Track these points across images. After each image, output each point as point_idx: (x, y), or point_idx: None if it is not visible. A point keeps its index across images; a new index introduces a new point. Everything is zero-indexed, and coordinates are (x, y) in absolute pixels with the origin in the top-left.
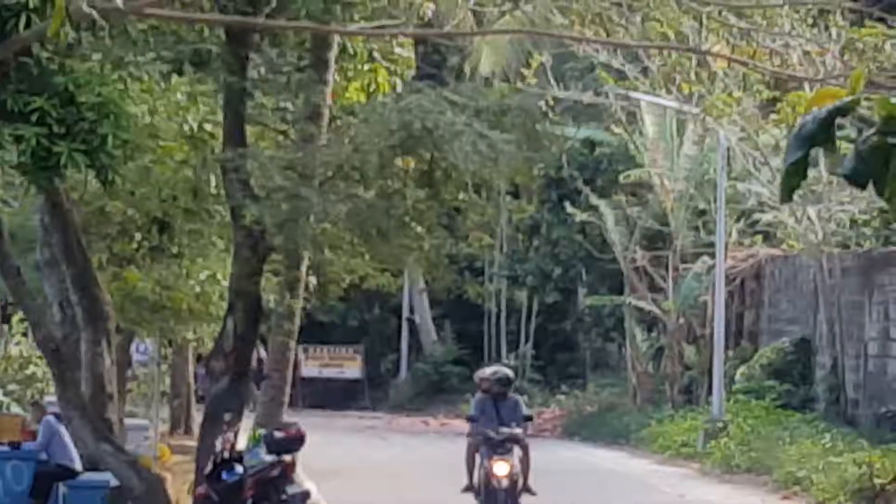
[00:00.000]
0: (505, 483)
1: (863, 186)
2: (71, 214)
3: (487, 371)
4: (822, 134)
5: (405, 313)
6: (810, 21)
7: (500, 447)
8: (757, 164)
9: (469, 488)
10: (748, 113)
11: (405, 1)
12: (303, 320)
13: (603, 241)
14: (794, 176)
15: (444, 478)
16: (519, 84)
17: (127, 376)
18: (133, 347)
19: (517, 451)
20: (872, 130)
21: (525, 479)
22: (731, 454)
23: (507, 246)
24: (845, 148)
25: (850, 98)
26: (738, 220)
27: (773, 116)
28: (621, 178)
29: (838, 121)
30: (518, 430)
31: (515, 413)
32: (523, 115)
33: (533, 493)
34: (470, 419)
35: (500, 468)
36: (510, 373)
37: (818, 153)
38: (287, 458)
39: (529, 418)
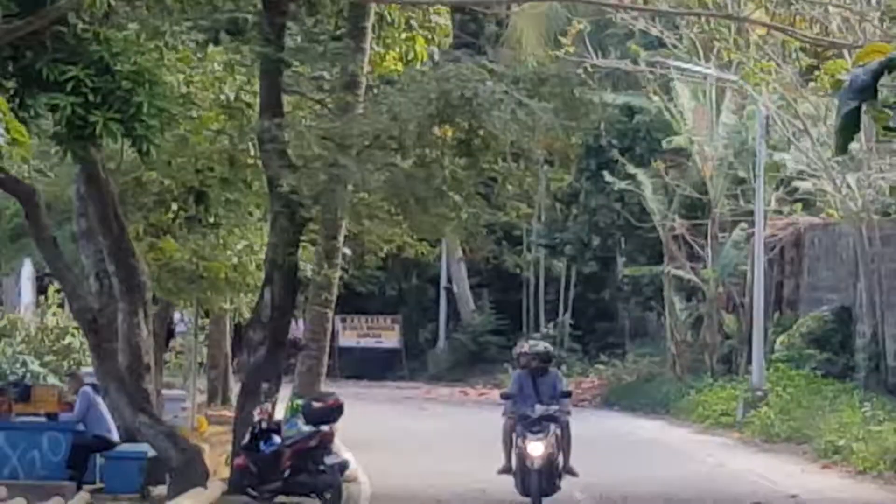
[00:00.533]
0: (540, 464)
1: None
2: (107, 184)
3: (526, 346)
4: (873, 86)
5: (443, 283)
6: None
7: (535, 426)
8: (797, 132)
9: (506, 469)
10: (787, 81)
11: None
12: (340, 290)
13: (642, 209)
14: (849, 128)
15: (481, 449)
16: (557, 52)
17: (171, 346)
18: (176, 317)
19: (554, 429)
20: None
21: (566, 459)
22: (771, 423)
23: (546, 215)
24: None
25: None
26: (777, 188)
27: (813, 85)
28: (663, 143)
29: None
30: (556, 407)
31: (555, 389)
32: (561, 84)
33: (575, 474)
34: (505, 396)
35: (535, 448)
36: (550, 347)
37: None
38: (325, 428)
39: (568, 394)
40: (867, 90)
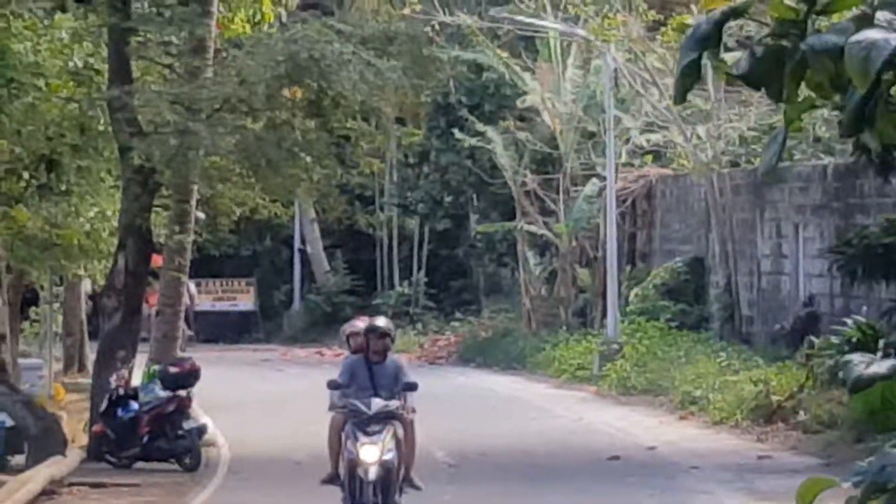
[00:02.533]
0: (374, 473)
1: (758, 87)
2: None
3: (358, 324)
4: (715, 36)
5: (297, 244)
6: None
7: (371, 425)
8: (645, 84)
9: (332, 478)
10: (634, 35)
11: None
12: (194, 254)
13: (493, 166)
14: (688, 77)
15: None
16: (404, 11)
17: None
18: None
19: (395, 430)
20: (766, 33)
21: (407, 468)
22: (628, 376)
23: (397, 174)
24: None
25: (742, 0)
26: (626, 141)
27: (660, 38)
28: (518, 102)
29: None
30: (397, 403)
31: (396, 380)
32: (409, 42)
33: (418, 488)
34: (332, 386)
35: (370, 453)
36: (388, 325)
37: (708, 69)
38: (182, 393)
39: (413, 386)
40: (709, 39)
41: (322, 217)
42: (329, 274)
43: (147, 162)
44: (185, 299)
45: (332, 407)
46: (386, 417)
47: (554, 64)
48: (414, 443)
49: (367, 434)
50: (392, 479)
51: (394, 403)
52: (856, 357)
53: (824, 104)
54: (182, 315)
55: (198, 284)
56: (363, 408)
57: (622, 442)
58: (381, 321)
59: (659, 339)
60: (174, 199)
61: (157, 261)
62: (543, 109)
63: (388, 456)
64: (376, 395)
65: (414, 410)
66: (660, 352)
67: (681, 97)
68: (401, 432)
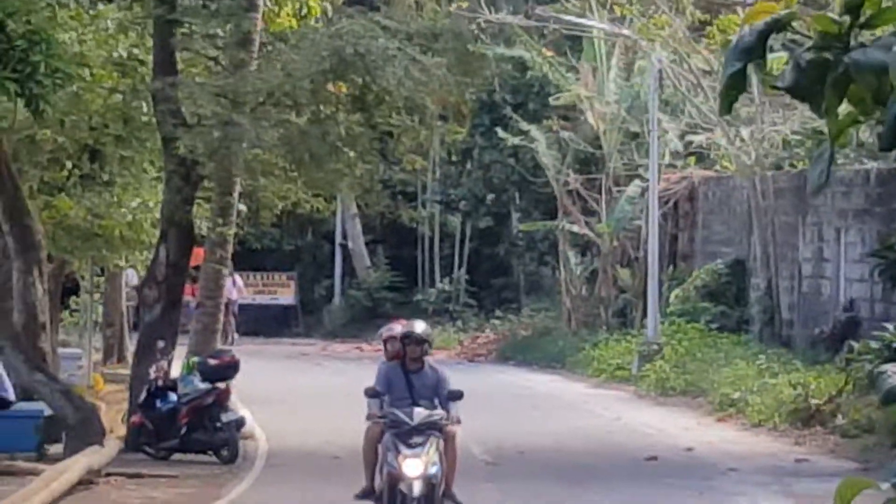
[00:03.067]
0: (419, 489)
1: (801, 98)
2: (0, 143)
3: (396, 327)
4: (759, 47)
5: (338, 239)
6: None
7: (413, 437)
8: (690, 86)
9: (369, 492)
10: (679, 35)
11: None
12: (235, 247)
13: (535, 165)
14: (733, 89)
15: None
16: (450, 7)
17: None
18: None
19: (438, 443)
20: (808, 45)
21: (448, 482)
22: (666, 377)
23: (440, 171)
24: (779, 64)
25: (786, 11)
26: (680, 138)
27: (705, 40)
28: (550, 100)
29: (771, 39)
30: (441, 413)
31: (436, 389)
32: (454, 39)
33: (457, 503)
34: (370, 394)
35: (413, 467)
36: (427, 329)
37: (752, 73)
38: (221, 385)
39: (459, 395)
40: (753, 51)
41: (364, 213)
42: (370, 269)
43: (190, 154)
44: (233, 293)
45: (369, 416)
46: (429, 429)
47: (598, 63)
48: (455, 456)
49: (409, 446)
50: (436, 495)
51: (438, 413)
52: (889, 367)
53: (866, 119)
54: (224, 308)
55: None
56: (405, 418)
57: (660, 443)
58: (418, 327)
59: (699, 340)
60: (217, 191)
61: (198, 255)
62: (587, 109)
63: (433, 470)
64: (415, 404)
65: (459, 421)
66: (699, 353)
67: (726, 109)
68: (443, 445)
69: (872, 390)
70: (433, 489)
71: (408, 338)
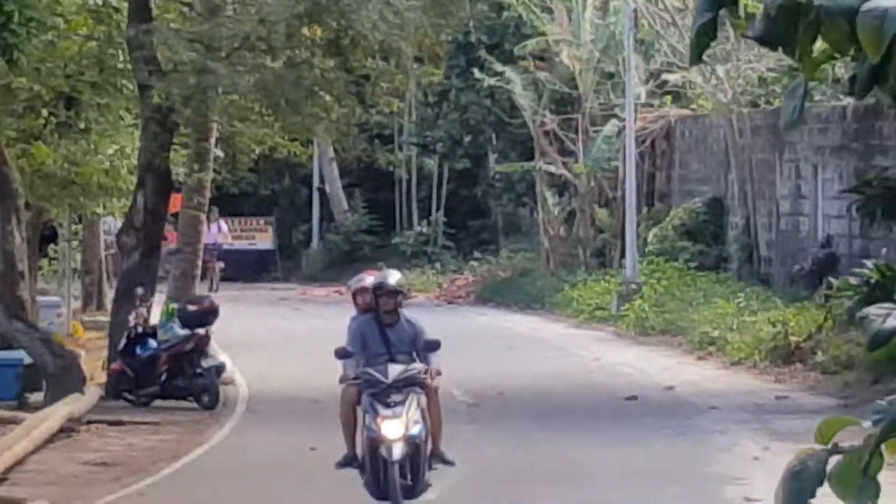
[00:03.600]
0: (400, 451)
1: (773, 47)
2: None
3: (367, 279)
4: None
5: (315, 183)
6: None
7: (391, 395)
8: (665, 24)
9: (350, 460)
10: None
11: None
12: (213, 192)
13: (512, 106)
14: (704, 37)
15: None
16: None
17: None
18: (105, 227)
19: (419, 399)
20: None
21: (435, 441)
22: (646, 316)
23: (416, 113)
24: (752, 7)
25: None
26: (646, 81)
27: None
28: (516, 50)
29: None
30: (418, 366)
31: (414, 342)
32: None
33: (449, 462)
34: (341, 355)
35: (392, 428)
36: (400, 279)
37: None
38: (201, 331)
39: (435, 345)
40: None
41: (341, 156)
42: (348, 213)
43: (165, 101)
44: (218, 238)
45: (343, 379)
46: (406, 385)
47: (573, 4)
48: (439, 410)
49: (387, 406)
50: (421, 456)
51: (415, 367)
52: (872, 310)
53: (841, 57)
54: (203, 253)
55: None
56: (379, 376)
57: (640, 382)
58: (391, 277)
59: (677, 279)
60: (193, 137)
61: (175, 202)
62: (562, 50)
63: (415, 430)
64: (392, 360)
65: (439, 373)
66: (678, 292)
67: (697, 58)
68: (424, 401)
69: (852, 327)
70: (417, 449)
71: (380, 289)
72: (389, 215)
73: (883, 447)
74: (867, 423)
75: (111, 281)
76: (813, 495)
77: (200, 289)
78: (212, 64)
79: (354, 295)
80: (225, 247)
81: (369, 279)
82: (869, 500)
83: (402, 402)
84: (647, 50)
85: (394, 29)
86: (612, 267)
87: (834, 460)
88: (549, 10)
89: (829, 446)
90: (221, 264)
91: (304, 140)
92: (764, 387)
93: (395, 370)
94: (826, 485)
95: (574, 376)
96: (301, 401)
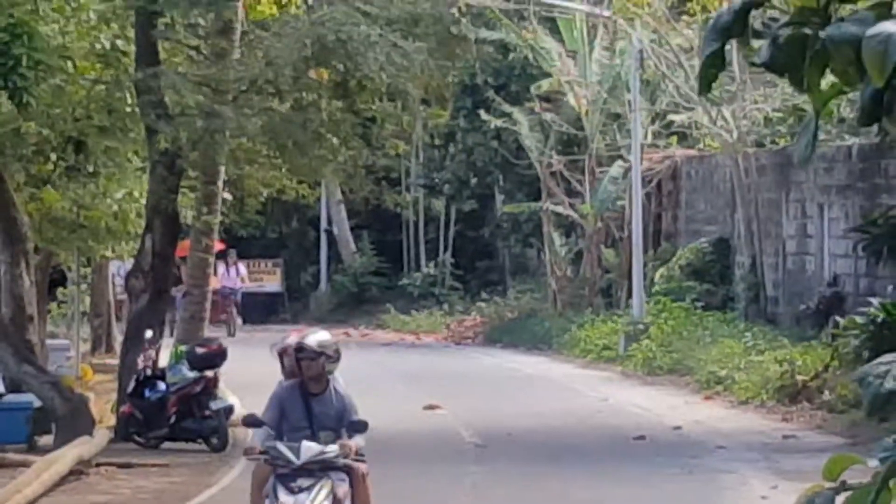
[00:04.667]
0: None
1: (781, 74)
2: None
3: (291, 338)
4: (737, 25)
5: (323, 225)
6: None
7: (298, 479)
8: (670, 65)
9: None
10: (659, 14)
11: None
12: (221, 235)
13: (519, 147)
14: (712, 68)
15: (366, 389)
16: None
17: (117, 300)
18: (114, 270)
19: (334, 485)
20: (786, 20)
21: None
22: (653, 356)
23: (423, 155)
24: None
25: None
26: (652, 121)
27: (686, 17)
28: (532, 88)
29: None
30: (335, 449)
31: (341, 418)
32: (435, 23)
33: None
34: (248, 423)
35: None
36: (325, 340)
37: (733, 51)
38: (209, 373)
39: (361, 427)
40: (731, 29)
41: (348, 198)
42: (356, 255)
43: (172, 145)
44: (237, 283)
45: (247, 452)
46: (323, 469)
47: (579, 46)
48: (367, 501)
49: (290, 491)
50: None
51: (332, 449)
52: (869, 369)
53: (849, 90)
54: (224, 298)
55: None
56: (289, 454)
57: (648, 422)
58: (312, 337)
59: (684, 319)
60: (201, 180)
61: (184, 247)
62: (568, 91)
63: None
64: (314, 436)
65: (362, 456)
66: (685, 332)
67: (705, 88)
68: (343, 489)
69: (858, 365)
70: None
71: (300, 351)
72: (397, 257)
73: (891, 484)
74: (874, 462)
75: (121, 324)
76: None
77: (218, 333)
78: (219, 107)
79: (280, 357)
80: (243, 290)
81: (293, 338)
82: None
83: (308, 489)
84: (653, 91)
85: (401, 71)
86: (619, 307)
87: (841, 498)
88: (557, 52)
89: (837, 484)
90: (235, 309)
91: (311, 182)
92: (771, 426)
93: (308, 450)
94: None
95: (582, 416)
96: None
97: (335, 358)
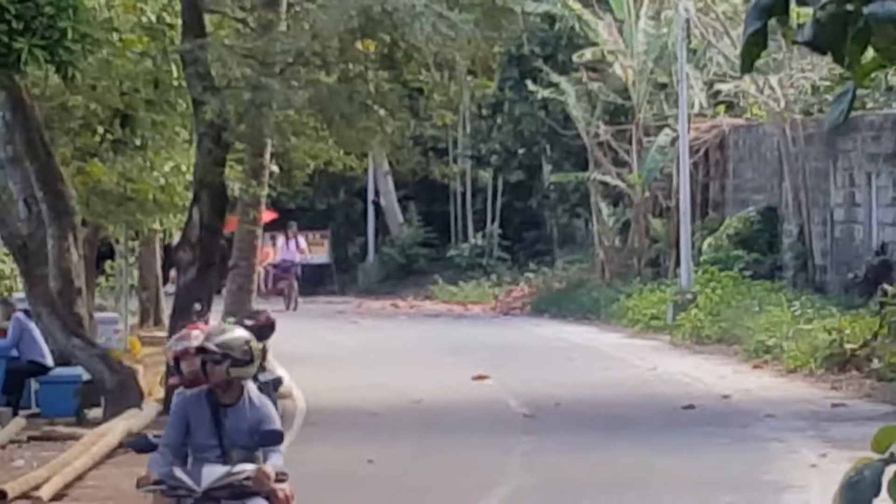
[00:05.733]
0: None
1: (823, 52)
2: (33, 110)
3: (192, 337)
4: (779, 4)
5: (371, 196)
6: None
7: None
8: (717, 33)
9: None
10: None
11: None
12: (269, 207)
13: (566, 117)
14: (754, 47)
15: (415, 361)
16: None
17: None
18: None
19: None
20: None
21: None
22: (701, 325)
23: (471, 126)
24: (803, 16)
25: None
26: (700, 91)
27: None
28: (574, 57)
29: None
30: (249, 470)
31: (255, 429)
32: None
33: None
34: (137, 447)
35: None
36: (235, 338)
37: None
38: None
39: (274, 439)
40: (773, 7)
41: (396, 169)
42: (403, 226)
43: (218, 118)
44: (296, 256)
45: (140, 483)
46: (233, 497)
47: (626, 15)
48: None
49: None
50: None
51: (242, 470)
52: None
53: (891, 65)
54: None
55: (272, 238)
56: (188, 481)
57: (697, 391)
58: (218, 335)
59: (732, 288)
60: (248, 153)
61: (231, 224)
62: (614, 61)
63: None
64: (225, 456)
65: (284, 476)
66: (733, 301)
67: (748, 67)
68: None
69: None
70: None
71: (204, 352)
72: (444, 228)
73: None
74: None
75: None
76: None
77: (278, 307)
78: (266, 80)
79: (177, 361)
80: (273, 261)
81: (196, 336)
82: None
83: None
84: (700, 60)
85: (447, 42)
86: (666, 276)
87: (891, 470)
88: (603, 20)
89: (886, 455)
90: (296, 283)
91: (358, 154)
92: (820, 394)
93: (211, 474)
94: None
95: (630, 386)
96: (358, 413)
97: (244, 361)
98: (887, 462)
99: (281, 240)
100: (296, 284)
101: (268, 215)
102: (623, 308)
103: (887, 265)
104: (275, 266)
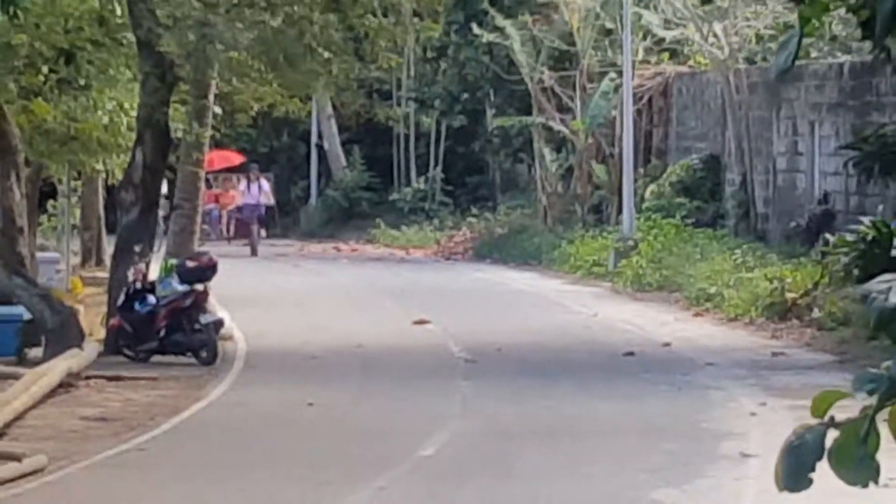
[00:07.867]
0: None
1: None
2: None
3: None
4: None
5: (314, 140)
6: None
7: None
8: None
9: None
10: None
11: None
12: (211, 149)
13: (510, 62)
14: None
15: (356, 304)
16: None
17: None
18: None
19: None
20: None
21: None
22: (643, 272)
23: (415, 69)
24: None
25: None
26: (644, 38)
27: None
28: None
29: None
30: None
31: None
32: None
33: None
34: None
35: None
36: None
37: None
38: (199, 287)
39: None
40: None
41: (339, 113)
42: (346, 170)
43: (168, 52)
44: (260, 198)
45: None
46: None
47: None
48: None
49: None
50: None
51: None
52: (873, 286)
53: (835, 7)
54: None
55: (214, 179)
56: None
57: (638, 338)
58: None
59: (674, 235)
60: (192, 94)
61: (210, 162)
62: (560, 4)
63: None
64: None
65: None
66: (675, 249)
67: None
68: None
69: (848, 283)
70: None
71: None
72: (387, 172)
73: (881, 419)
74: (862, 395)
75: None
76: (813, 469)
77: (242, 250)
78: (212, 19)
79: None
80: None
81: None
82: (868, 475)
83: None
84: (646, 6)
85: None
86: (609, 223)
87: (832, 434)
88: None
89: (826, 419)
90: (263, 233)
91: (302, 97)
92: (760, 343)
93: None
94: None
95: (572, 332)
96: (299, 356)
97: None
98: (828, 426)
99: (243, 183)
100: (258, 229)
101: (235, 157)
102: (565, 254)
103: (829, 214)
104: (238, 210)
